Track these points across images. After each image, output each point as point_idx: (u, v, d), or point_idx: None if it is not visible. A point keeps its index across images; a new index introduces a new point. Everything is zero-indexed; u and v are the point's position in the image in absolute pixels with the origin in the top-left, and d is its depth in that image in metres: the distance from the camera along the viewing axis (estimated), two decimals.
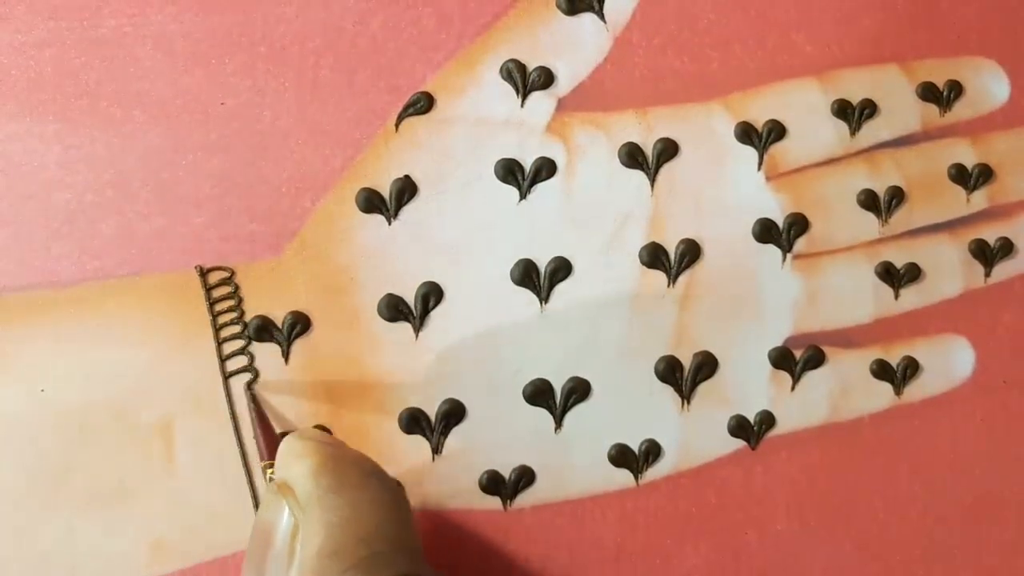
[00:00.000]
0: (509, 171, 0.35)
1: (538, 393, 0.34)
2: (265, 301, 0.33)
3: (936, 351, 0.36)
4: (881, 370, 0.36)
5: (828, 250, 0.36)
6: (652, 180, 0.35)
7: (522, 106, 0.35)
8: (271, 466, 0.29)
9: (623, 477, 0.34)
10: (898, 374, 0.36)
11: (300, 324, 0.33)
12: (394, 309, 0.33)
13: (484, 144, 0.35)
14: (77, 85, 0.33)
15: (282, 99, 0.34)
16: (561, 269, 0.35)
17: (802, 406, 0.35)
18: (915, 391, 0.36)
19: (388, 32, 0.35)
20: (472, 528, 0.33)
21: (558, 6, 0.35)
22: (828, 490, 0.35)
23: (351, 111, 0.34)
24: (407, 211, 0.34)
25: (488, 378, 0.34)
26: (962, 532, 0.36)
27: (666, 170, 0.35)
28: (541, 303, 0.34)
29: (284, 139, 0.34)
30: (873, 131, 0.37)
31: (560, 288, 0.35)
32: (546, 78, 0.35)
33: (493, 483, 0.33)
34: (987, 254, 0.37)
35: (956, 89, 0.37)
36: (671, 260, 0.35)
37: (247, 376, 0.32)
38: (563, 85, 0.35)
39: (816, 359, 0.35)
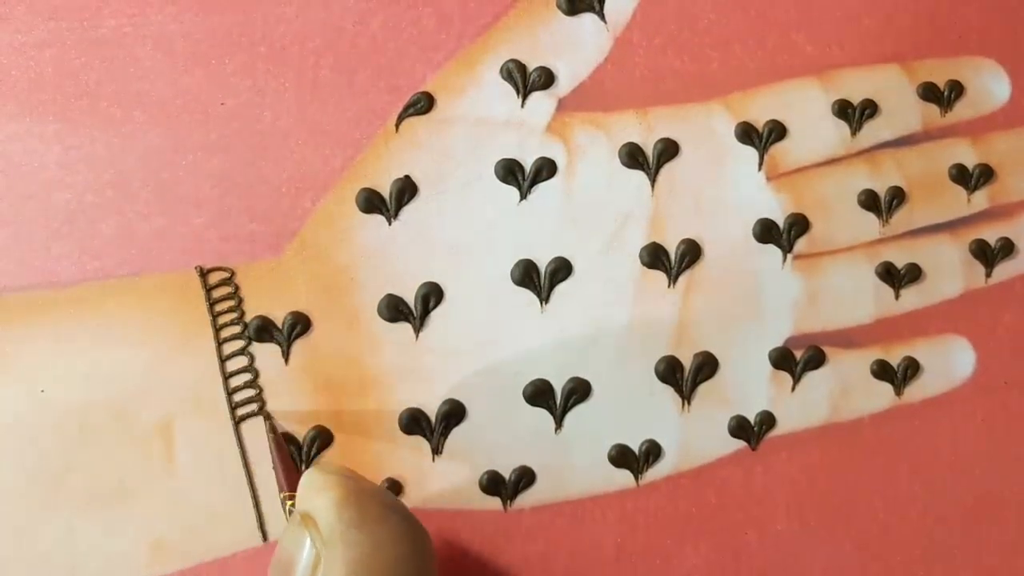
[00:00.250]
0: (509, 171, 0.35)
1: (538, 393, 0.34)
2: (265, 301, 0.33)
3: (936, 351, 0.36)
4: (881, 370, 0.36)
5: (829, 250, 0.36)
6: (652, 180, 0.35)
7: (522, 106, 0.35)
8: (291, 498, 0.29)
9: (623, 477, 0.34)
10: (898, 374, 0.36)
11: (300, 324, 0.33)
12: (394, 309, 0.33)
13: (484, 144, 0.35)
14: (77, 85, 0.33)
15: (282, 99, 0.34)
16: (561, 269, 0.34)
17: (802, 406, 0.35)
18: (915, 391, 0.36)
19: (388, 32, 0.35)
20: (472, 528, 0.33)
21: (558, 6, 0.35)
22: (828, 490, 0.35)
23: (351, 111, 0.34)
24: (407, 211, 0.34)
25: (488, 378, 0.34)
26: (962, 532, 0.36)
27: (666, 170, 0.35)
28: (541, 303, 0.34)
29: (284, 139, 0.34)
30: (874, 131, 0.37)
31: (560, 288, 0.35)
32: (546, 78, 0.35)
33: (493, 483, 0.33)
34: (988, 254, 0.37)
35: (957, 89, 0.37)
36: (671, 260, 0.35)
37: (247, 376, 0.32)
38: (563, 85, 0.35)
39: (816, 359, 0.35)
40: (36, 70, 0.33)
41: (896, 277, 0.36)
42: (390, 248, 0.34)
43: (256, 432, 0.32)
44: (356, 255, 0.34)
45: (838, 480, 0.35)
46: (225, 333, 0.32)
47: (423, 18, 0.35)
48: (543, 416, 0.34)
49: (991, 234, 0.37)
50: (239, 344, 0.32)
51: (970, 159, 0.37)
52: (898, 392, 0.36)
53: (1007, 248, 0.37)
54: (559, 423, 0.34)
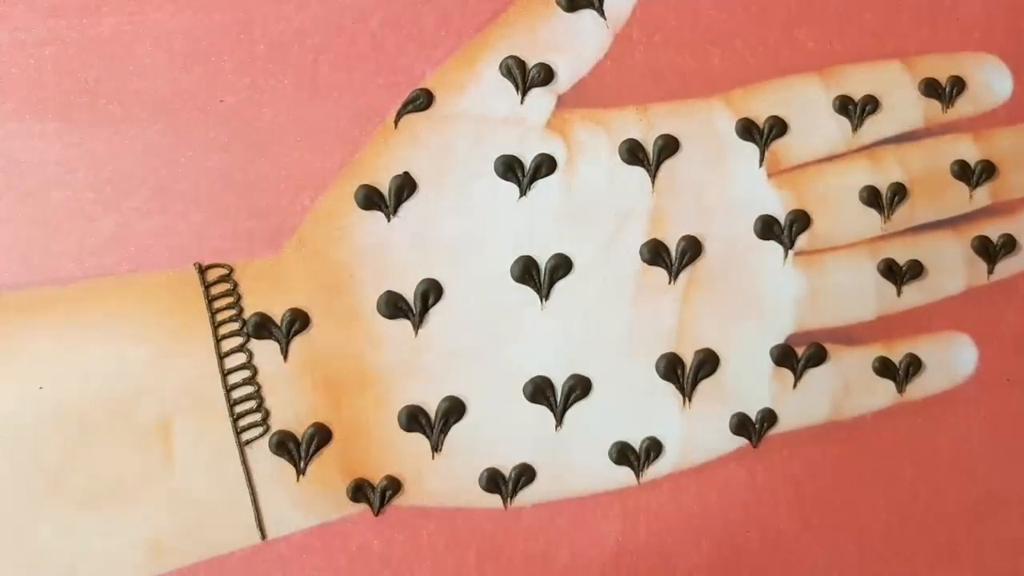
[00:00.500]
0: (509, 168, 0.34)
1: (538, 390, 0.34)
2: (264, 298, 0.33)
3: (939, 348, 0.36)
4: (883, 368, 0.36)
5: (830, 247, 0.36)
6: (653, 177, 0.35)
7: (522, 103, 0.35)
8: None
9: (624, 475, 0.34)
10: (900, 372, 0.36)
11: (299, 321, 0.33)
12: (393, 306, 0.33)
13: (484, 141, 0.35)
14: (77, 83, 0.33)
15: (281, 96, 0.34)
16: (561, 266, 0.34)
17: (804, 404, 0.35)
18: (918, 389, 0.36)
19: (387, 29, 0.35)
20: (472, 526, 0.33)
21: (558, 2, 0.35)
22: (830, 488, 0.35)
23: (350, 108, 0.34)
24: (406, 208, 0.34)
25: (488, 375, 0.34)
26: (965, 530, 0.36)
27: (667, 167, 0.35)
28: (541, 300, 0.34)
29: (283, 136, 0.34)
30: (875, 127, 0.37)
31: (560, 285, 0.34)
32: (546, 74, 0.35)
33: (493, 481, 0.33)
34: (990, 251, 0.37)
35: (959, 85, 0.37)
36: (672, 257, 0.35)
37: (246, 373, 0.32)
38: (563, 81, 0.35)
39: (818, 356, 0.35)
40: (36, 68, 0.33)
41: (898, 274, 0.36)
42: (389, 245, 0.34)
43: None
44: (355, 252, 0.33)
45: (840, 478, 0.35)
46: (224, 330, 0.32)
47: (422, 15, 0.35)
48: (543, 413, 0.34)
49: (993, 230, 0.37)
50: (238, 341, 0.32)
51: (972, 155, 0.37)
52: (900, 389, 0.36)
53: (1009, 245, 0.37)
54: (559, 420, 0.34)
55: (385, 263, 0.34)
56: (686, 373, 0.35)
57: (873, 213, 0.36)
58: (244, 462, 0.32)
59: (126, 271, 0.32)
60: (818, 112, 0.36)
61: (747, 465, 0.35)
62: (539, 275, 0.34)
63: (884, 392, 0.36)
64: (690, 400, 0.35)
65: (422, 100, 0.34)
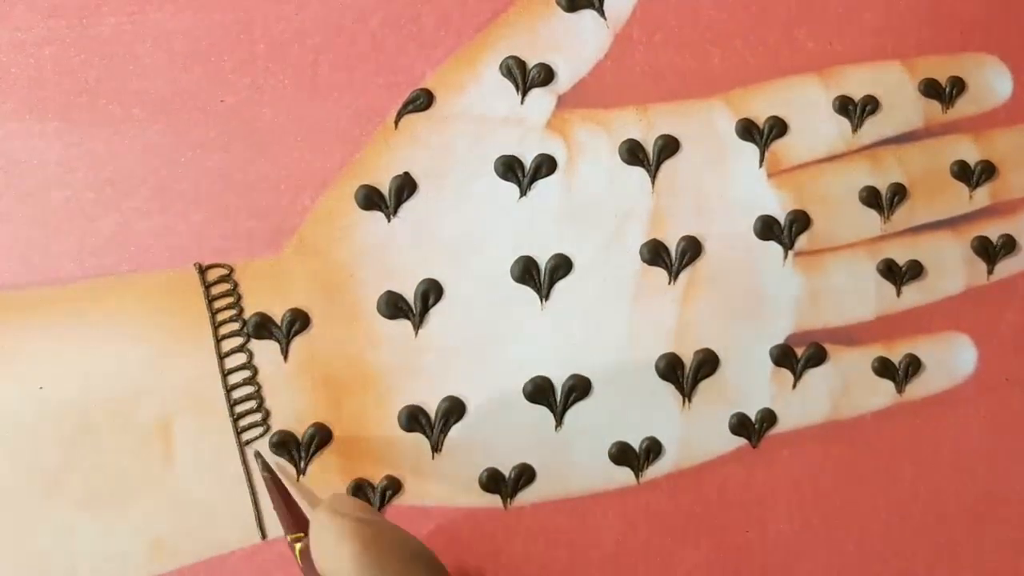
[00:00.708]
0: (509, 168, 0.34)
1: (538, 391, 0.34)
2: (264, 298, 0.33)
3: (938, 349, 0.36)
4: (883, 368, 0.36)
5: (830, 247, 0.36)
6: (653, 177, 0.35)
7: (522, 103, 0.35)
8: (299, 539, 0.28)
9: (624, 475, 0.34)
10: (900, 372, 0.36)
11: (299, 321, 0.33)
12: (394, 306, 0.33)
13: (484, 141, 0.35)
14: (77, 83, 0.33)
15: (281, 96, 0.34)
16: (561, 266, 0.34)
17: (804, 404, 0.35)
18: (917, 389, 0.36)
19: (387, 29, 0.35)
20: (472, 526, 0.33)
21: (558, 3, 0.35)
22: (830, 488, 0.35)
23: (350, 108, 0.34)
24: (407, 208, 0.34)
25: (488, 375, 0.34)
26: (964, 530, 0.36)
27: (667, 167, 0.35)
28: (541, 300, 0.34)
29: (283, 136, 0.34)
30: (875, 127, 0.37)
31: (560, 285, 0.34)
32: (546, 75, 0.35)
33: (493, 481, 0.33)
34: (990, 251, 0.37)
35: (959, 85, 0.37)
36: (672, 257, 0.35)
37: (246, 373, 0.32)
38: (563, 82, 0.35)
39: (818, 357, 0.35)
40: (36, 68, 0.33)
41: (898, 274, 0.36)
42: (389, 245, 0.34)
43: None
44: (355, 252, 0.33)
45: (839, 477, 0.35)
46: (224, 330, 0.32)
47: (422, 15, 0.35)
48: (543, 413, 0.34)
49: (993, 231, 0.37)
50: (238, 341, 0.32)
51: (972, 156, 0.37)
52: (900, 390, 0.36)
53: (1009, 245, 0.37)
54: (559, 420, 0.34)
55: (385, 263, 0.34)
56: (686, 373, 0.35)
57: (873, 213, 0.36)
58: (244, 462, 0.32)
59: (126, 271, 0.32)
60: (818, 112, 0.36)
61: (747, 465, 0.35)
62: (539, 275, 0.34)
63: (884, 392, 0.36)
64: (690, 400, 0.35)
65: (422, 100, 0.34)
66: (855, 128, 0.37)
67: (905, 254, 0.36)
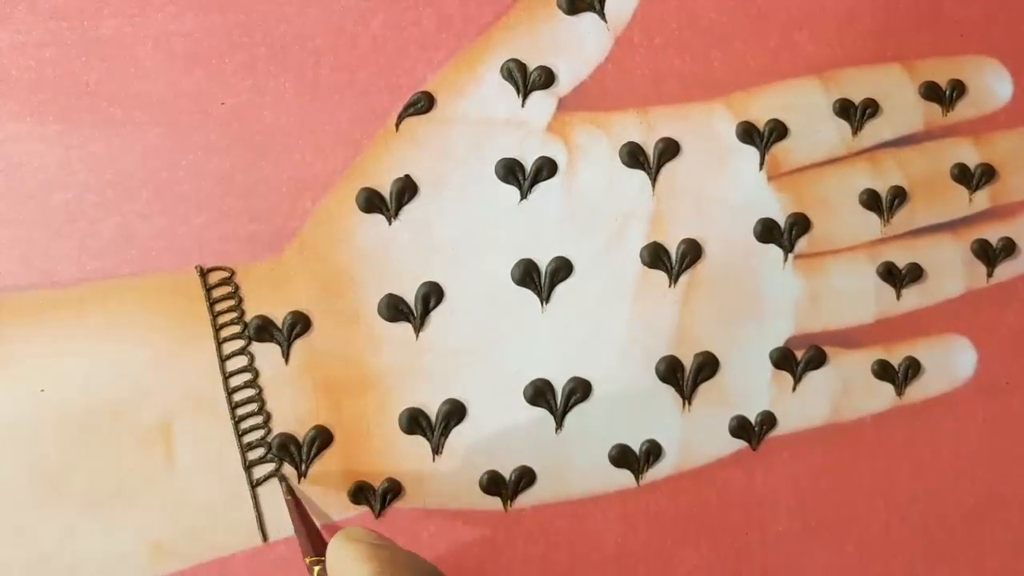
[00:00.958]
0: (510, 171, 0.35)
1: (539, 393, 0.34)
2: (265, 301, 0.33)
3: (938, 351, 0.36)
4: (882, 370, 0.36)
5: (830, 250, 0.36)
6: (653, 180, 0.35)
7: (523, 106, 0.35)
8: (317, 563, 0.29)
9: (624, 478, 0.34)
10: (899, 374, 0.36)
11: (300, 324, 0.33)
12: (394, 309, 0.33)
13: (485, 144, 0.35)
14: (78, 85, 0.33)
15: (282, 99, 0.34)
16: (562, 269, 0.34)
17: (803, 407, 0.35)
18: (917, 392, 0.36)
19: (389, 32, 0.35)
20: (472, 529, 0.33)
21: (559, 6, 0.35)
22: (829, 491, 0.35)
23: (351, 111, 0.34)
24: (407, 211, 0.34)
25: (489, 378, 0.34)
26: (964, 533, 0.36)
27: (667, 170, 0.35)
28: (542, 303, 0.34)
29: (284, 139, 0.34)
30: (875, 130, 0.37)
31: (561, 288, 0.34)
32: (547, 77, 0.35)
33: (494, 483, 0.33)
34: (989, 254, 0.37)
35: (959, 88, 0.37)
36: (672, 260, 0.35)
37: (247, 376, 0.32)
38: (564, 84, 0.35)
39: (817, 359, 0.35)
40: (37, 70, 0.33)
41: (897, 277, 0.36)
42: (390, 248, 0.34)
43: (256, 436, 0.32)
44: (356, 255, 0.33)
45: (839, 480, 0.35)
46: (225, 333, 0.32)
47: (423, 18, 0.35)
48: (543, 416, 0.34)
49: (993, 234, 0.37)
50: (239, 344, 0.32)
51: (972, 158, 0.37)
52: (899, 392, 0.36)
53: (1009, 248, 0.37)
54: (559, 423, 0.34)
55: (386, 266, 0.34)
56: (686, 376, 0.35)
57: (873, 216, 0.36)
58: (245, 464, 0.32)
59: (127, 274, 0.32)
60: (818, 115, 0.36)
61: (746, 467, 0.35)
62: (539, 278, 0.34)
63: (883, 395, 0.36)
64: (690, 403, 0.35)
65: (423, 103, 0.34)
66: (855, 131, 0.37)
67: (905, 257, 0.36)
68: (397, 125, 0.34)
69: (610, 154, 0.35)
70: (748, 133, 0.36)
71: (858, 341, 0.36)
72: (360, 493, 0.33)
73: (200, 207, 0.33)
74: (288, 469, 0.32)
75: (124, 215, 0.33)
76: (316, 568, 0.29)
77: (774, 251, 0.36)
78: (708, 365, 0.35)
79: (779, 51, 0.36)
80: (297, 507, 0.31)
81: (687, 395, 0.35)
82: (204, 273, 0.33)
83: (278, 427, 0.32)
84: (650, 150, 0.35)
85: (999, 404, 0.36)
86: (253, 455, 0.32)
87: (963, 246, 0.37)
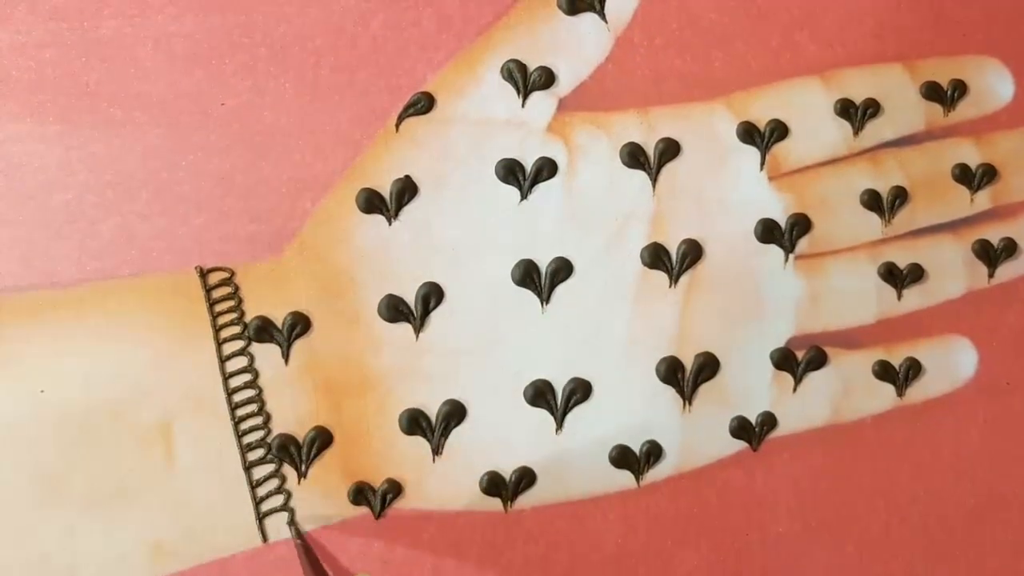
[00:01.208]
0: (510, 171, 0.34)
1: (539, 394, 0.34)
2: (265, 302, 0.33)
3: (939, 352, 0.36)
4: (883, 371, 0.36)
5: (831, 250, 0.36)
6: (654, 180, 0.35)
7: (523, 106, 0.35)
8: None
9: (624, 478, 0.34)
10: (900, 375, 0.36)
11: (300, 324, 0.33)
12: (394, 310, 0.33)
13: (485, 144, 0.35)
14: (78, 86, 0.33)
15: (282, 99, 0.34)
16: (562, 269, 0.34)
17: (804, 407, 0.35)
18: (917, 392, 0.36)
19: (388, 32, 0.35)
20: (473, 529, 0.33)
21: (559, 6, 0.35)
22: (830, 491, 0.35)
23: (351, 111, 0.34)
24: (407, 211, 0.34)
25: (489, 379, 0.34)
26: (964, 534, 0.36)
27: (668, 170, 0.35)
28: (542, 303, 0.34)
29: (284, 139, 0.34)
30: (876, 130, 0.37)
31: (561, 288, 0.34)
32: (547, 78, 0.35)
33: (494, 484, 0.33)
34: (991, 255, 0.37)
35: (960, 88, 0.37)
36: (673, 260, 0.35)
37: (247, 376, 0.32)
38: (564, 85, 0.35)
39: (818, 360, 0.35)
40: (37, 71, 0.33)
41: (898, 277, 0.36)
42: (390, 248, 0.34)
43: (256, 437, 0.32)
44: (356, 255, 0.33)
45: (840, 481, 0.35)
46: (225, 333, 0.32)
47: (423, 18, 0.35)
48: (544, 417, 0.34)
49: (994, 234, 0.37)
50: (239, 344, 0.32)
51: (973, 159, 0.37)
52: (900, 393, 0.36)
53: (1010, 248, 0.37)
54: (560, 424, 0.34)
55: (386, 266, 0.34)
56: (686, 376, 0.35)
57: (874, 216, 0.36)
58: (245, 465, 0.32)
59: (127, 274, 0.32)
60: (819, 115, 0.36)
61: (747, 468, 0.35)
62: (540, 278, 0.34)
63: (884, 395, 0.36)
64: (690, 403, 0.35)
65: (423, 103, 0.34)
66: (856, 131, 0.37)
67: (906, 257, 0.36)
68: (397, 125, 0.34)
69: (610, 154, 0.35)
70: (749, 133, 0.36)
71: (859, 342, 0.36)
72: (360, 494, 0.33)
73: (200, 207, 0.33)
74: (288, 470, 0.32)
75: (124, 216, 0.33)
76: None
77: (775, 251, 0.36)
78: (708, 366, 0.35)
79: (780, 51, 0.36)
80: (306, 551, 0.31)
81: (687, 396, 0.35)
82: (204, 273, 0.33)
83: (278, 428, 0.32)
84: (650, 150, 0.35)
85: (1000, 405, 0.36)
86: (253, 456, 0.32)
87: (964, 246, 0.37)
